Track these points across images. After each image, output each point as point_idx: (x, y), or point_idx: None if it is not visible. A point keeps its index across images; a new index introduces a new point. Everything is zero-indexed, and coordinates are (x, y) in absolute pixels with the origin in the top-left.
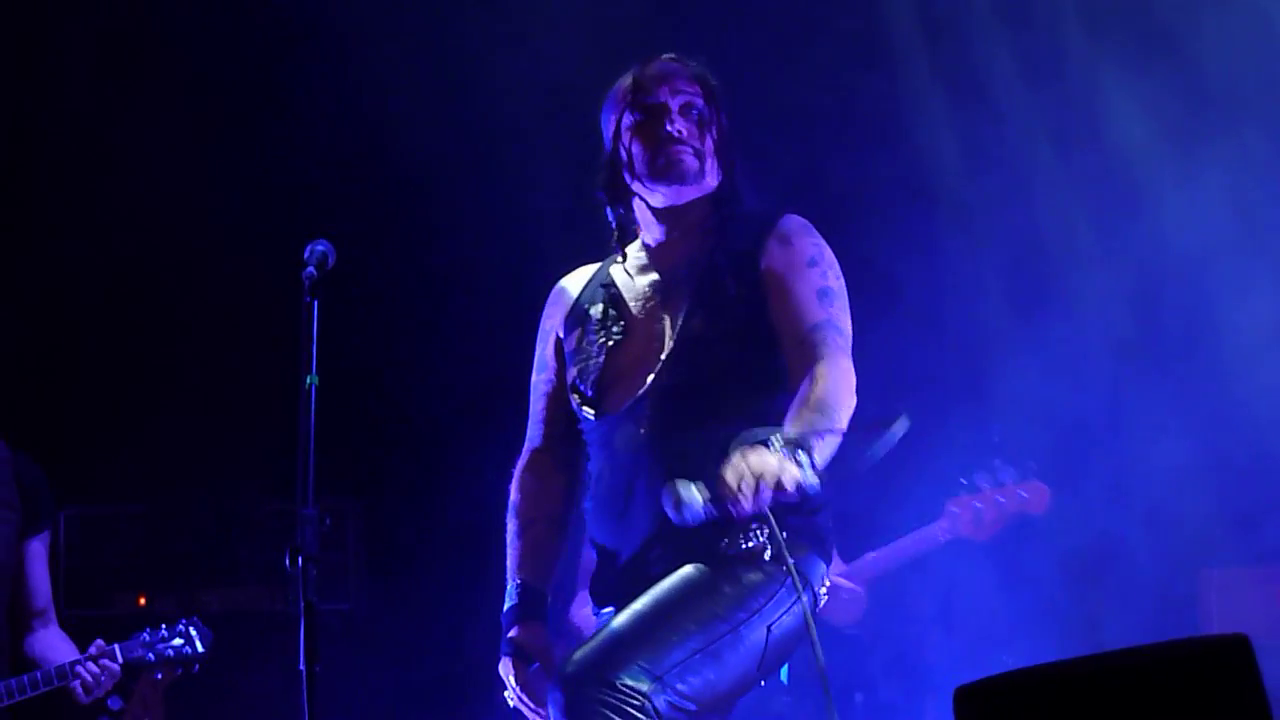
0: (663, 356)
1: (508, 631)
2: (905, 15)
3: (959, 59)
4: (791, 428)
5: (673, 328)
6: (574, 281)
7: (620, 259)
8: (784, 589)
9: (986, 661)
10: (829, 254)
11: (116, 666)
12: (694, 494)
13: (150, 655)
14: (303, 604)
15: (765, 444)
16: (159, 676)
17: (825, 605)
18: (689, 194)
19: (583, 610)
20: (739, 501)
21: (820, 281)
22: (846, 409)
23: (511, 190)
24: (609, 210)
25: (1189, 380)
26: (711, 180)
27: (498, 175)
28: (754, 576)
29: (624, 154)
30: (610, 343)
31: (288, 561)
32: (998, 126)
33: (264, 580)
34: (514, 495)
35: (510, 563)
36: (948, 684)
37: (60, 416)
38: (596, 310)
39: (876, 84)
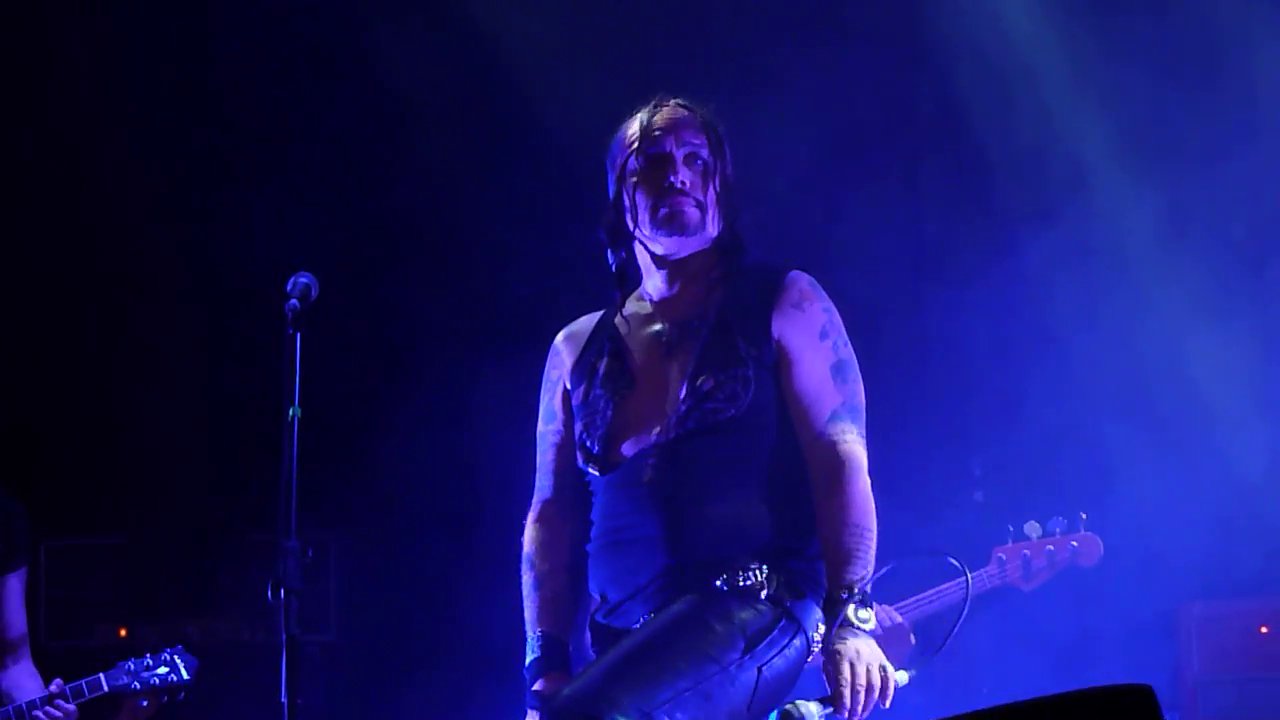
0: (670, 412)
1: (533, 684)
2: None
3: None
4: (843, 567)
5: (680, 381)
6: (578, 331)
7: (620, 307)
8: (778, 630)
9: (963, 690)
10: (837, 318)
11: (71, 707)
12: (812, 710)
13: (135, 684)
14: (284, 636)
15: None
16: (144, 704)
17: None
18: (691, 245)
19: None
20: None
21: (833, 355)
22: (872, 512)
23: (497, 227)
24: (610, 254)
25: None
26: (713, 230)
27: (483, 210)
28: (747, 615)
29: (626, 200)
30: (617, 397)
31: (270, 593)
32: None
33: (245, 612)
34: (528, 547)
35: (530, 614)
36: (920, 713)
37: (42, 448)
38: (602, 364)
39: (857, 122)
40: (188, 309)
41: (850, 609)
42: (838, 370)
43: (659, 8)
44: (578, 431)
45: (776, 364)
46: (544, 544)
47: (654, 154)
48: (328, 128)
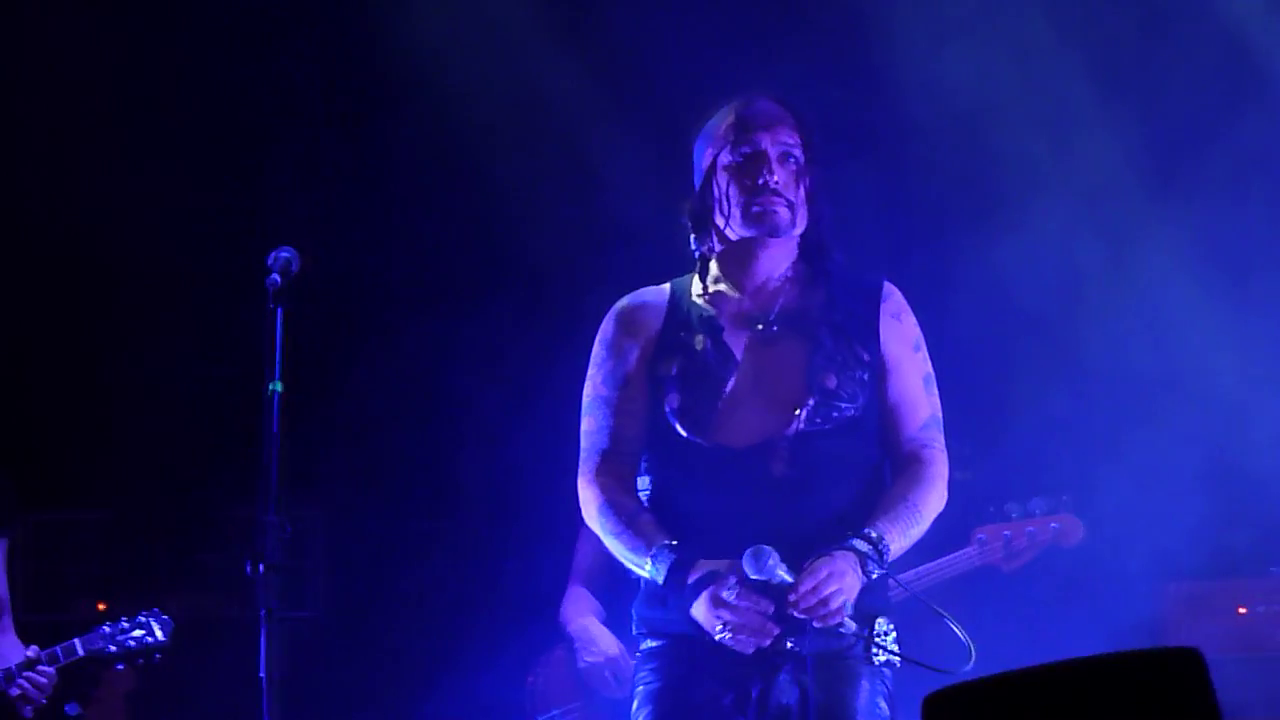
0: (796, 405)
1: (691, 577)
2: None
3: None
4: (884, 520)
5: (800, 376)
6: (652, 303)
7: (704, 289)
8: None
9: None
10: (920, 330)
11: (50, 670)
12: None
13: (112, 647)
14: (264, 611)
15: (850, 548)
16: (120, 668)
17: None
18: (777, 242)
19: (582, 619)
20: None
21: (925, 367)
22: (935, 512)
23: (480, 198)
24: (694, 240)
25: (1157, 400)
26: (800, 227)
27: (466, 183)
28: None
29: (716, 191)
30: (728, 378)
31: (249, 568)
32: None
33: (226, 587)
34: (601, 495)
35: (637, 539)
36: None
37: (23, 422)
38: (699, 341)
39: (855, 111)
40: (172, 284)
41: (866, 547)
42: (928, 382)
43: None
44: (674, 403)
45: (880, 370)
46: (623, 489)
47: (749, 151)
48: (312, 106)
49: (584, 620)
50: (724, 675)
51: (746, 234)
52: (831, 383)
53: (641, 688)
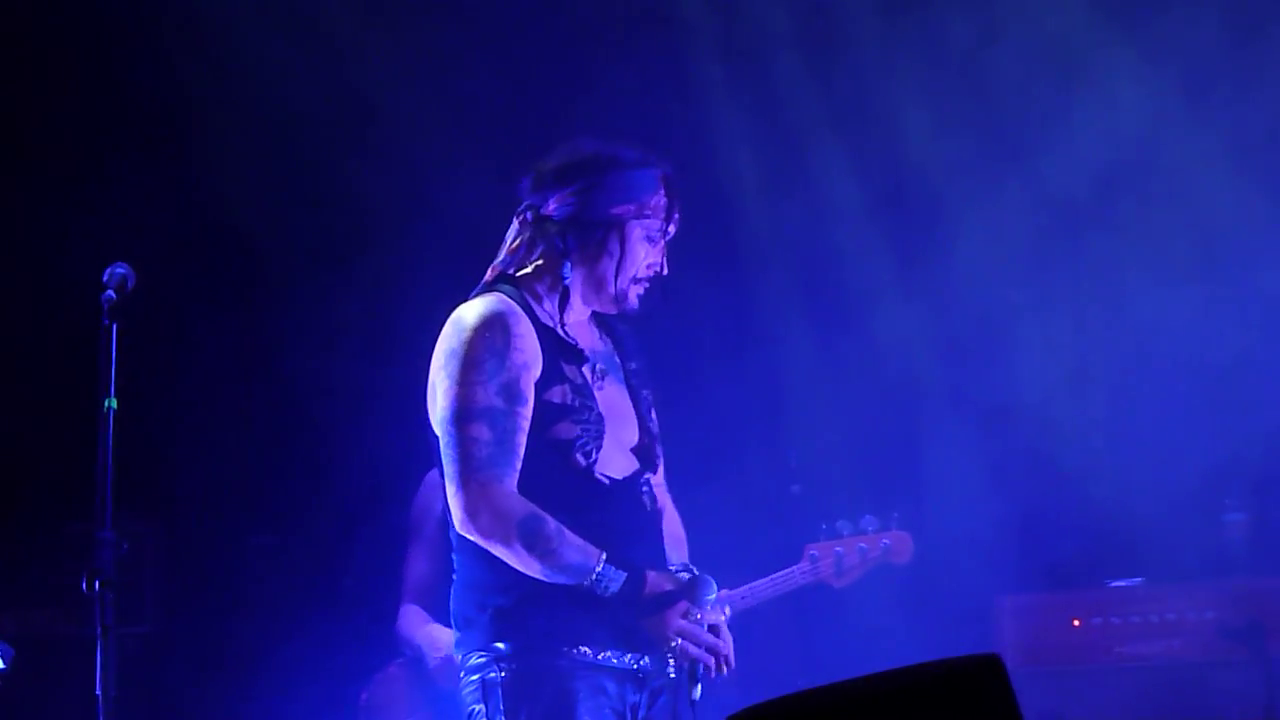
0: (646, 444)
1: (644, 589)
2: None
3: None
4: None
5: (644, 417)
6: (524, 321)
7: (560, 319)
8: None
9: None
10: None
11: None
12: None
13: None
14: (100, 628)
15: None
16: None
17: None
18: None
19: (424, 627)
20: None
21: None
22: None
23: (320, 207)
24: (567, 266)
25: (988, 415)
26: None
27: (305, 192)
28: None
29: (627, 257)
30: (605, 414)
31: (85, 585)
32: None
33: (60, 603)
34: (523, 509)
35: (577, 552)
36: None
37: None
38: (574, 373)
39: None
40: (2, 298)
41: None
42: None
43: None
44: (571, 433)
45: None
46: (532, 504)
47: (663, 239)
48: (146, 119)
49: (426, 627)
50: (613, 694)
51: (611, 302)
52: (656, 427)
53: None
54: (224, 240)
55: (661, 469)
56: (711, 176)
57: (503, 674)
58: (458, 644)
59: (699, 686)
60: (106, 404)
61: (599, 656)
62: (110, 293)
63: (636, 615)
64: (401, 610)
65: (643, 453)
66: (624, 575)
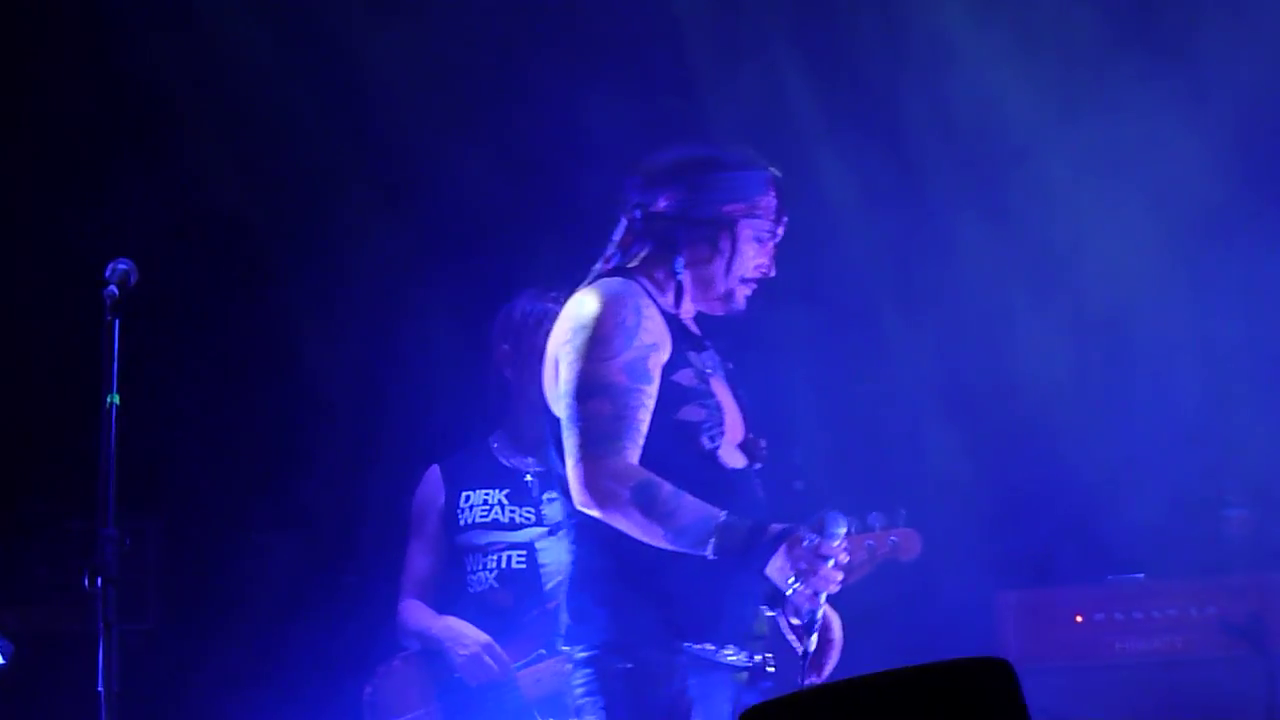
0: (749, 438)
1: (763, 536)
2: None
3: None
4: None
5: (742, 412)
6: (650, 303)
7: (676, 311)
8: None
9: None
10: None
11: None
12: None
13: None
14: (102, 624)
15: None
16: None
17: None
18: None
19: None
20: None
21: None
22: None
23: (319, 206)
24: (679, 261)
25: (984, 411)
26: None
27: (307, 183)
28: None
29: (737, 256)
30: (720, 399)
31: (87, 582)
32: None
33: (63, 600)
34: (640, 473)
35: (697, 511)
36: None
37: None
38: (695, 358)
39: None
40: (3, 292)
41: None
42: None
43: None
44: (698, 416)
45: None
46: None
47: (772, 240)
48: (148, 114)
49: (445, 620)
50: (731, 693)
51: (719, 303)
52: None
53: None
54: (227, 235)
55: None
56: None
57: (626, 666)
58: (568, 637)
59: (814, 636)
60: (109, 400)
61: (719, 653)
62: (113, 288)
63: (763, 563)
64: (403, 604)
65: (749, 448)
66: (748, 523)
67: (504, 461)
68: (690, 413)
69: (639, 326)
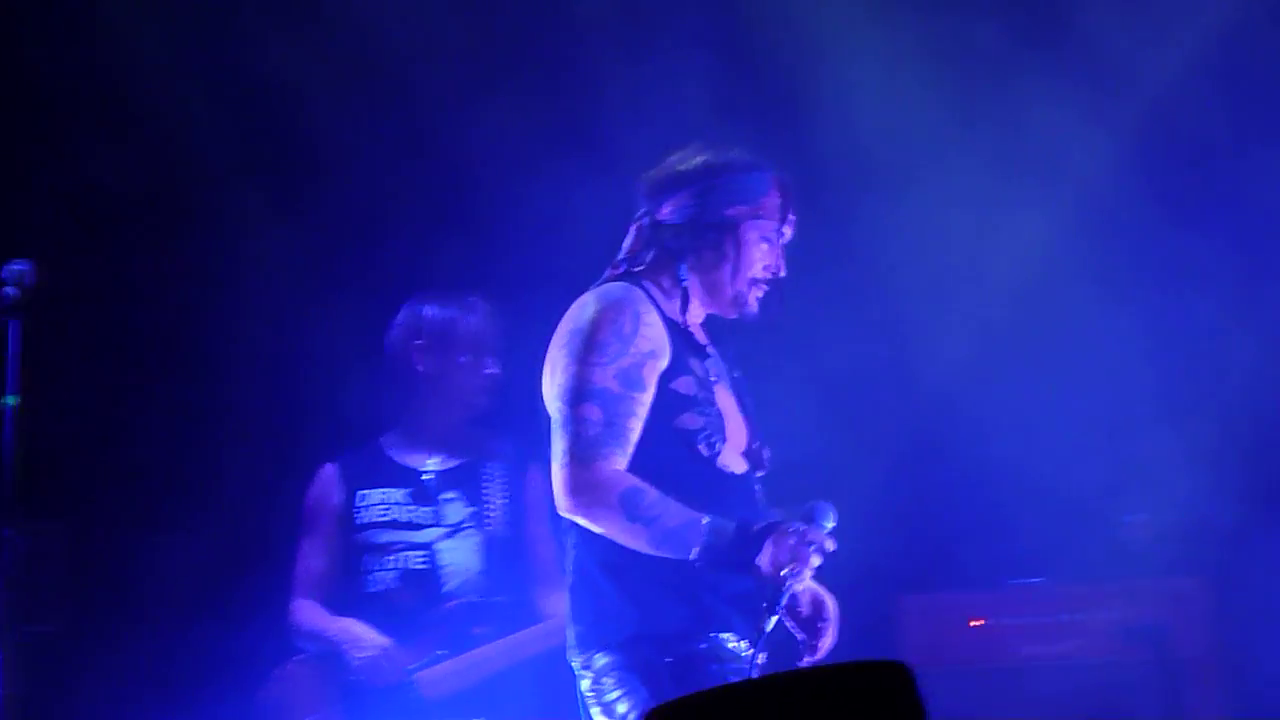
0: (753, 445)
1: (748, 534)
2: None
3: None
4: None
5: (748, 419)
6: (652, 310)
7: (682, 314)
8: None
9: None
10: None
11: None
12: None
13: None
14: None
15: None
16: None
17: None
18: None
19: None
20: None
21: None
22: None
23: (220, 203)
24: (683, 269)
25: (885, 415)
26: None
27: (206, 188)
28: None
29: (745, 258)
30: (719, 405)
31: None
32: None
33: None
34: (625, 479)
35: (681, 515)
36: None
37: None
38: (699, 367)
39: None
40: None
41: None
42: None
43: None
44: (696, 424)
45: None
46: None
47: (781, 240)
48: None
49: (341, 622)
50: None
51: (728, 306)
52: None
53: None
54: (126, 232)
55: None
56: None
57: (665, 660)
58: (583, 643)
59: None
60: (7, 401)
61: (738, 645)
62: (10, 289)
63: (753, 558)
64: (295, 605)
65: (752, 455)
66: (733, 523)
67: (398, 460)
68: (688, 420)
69: (636, 333)
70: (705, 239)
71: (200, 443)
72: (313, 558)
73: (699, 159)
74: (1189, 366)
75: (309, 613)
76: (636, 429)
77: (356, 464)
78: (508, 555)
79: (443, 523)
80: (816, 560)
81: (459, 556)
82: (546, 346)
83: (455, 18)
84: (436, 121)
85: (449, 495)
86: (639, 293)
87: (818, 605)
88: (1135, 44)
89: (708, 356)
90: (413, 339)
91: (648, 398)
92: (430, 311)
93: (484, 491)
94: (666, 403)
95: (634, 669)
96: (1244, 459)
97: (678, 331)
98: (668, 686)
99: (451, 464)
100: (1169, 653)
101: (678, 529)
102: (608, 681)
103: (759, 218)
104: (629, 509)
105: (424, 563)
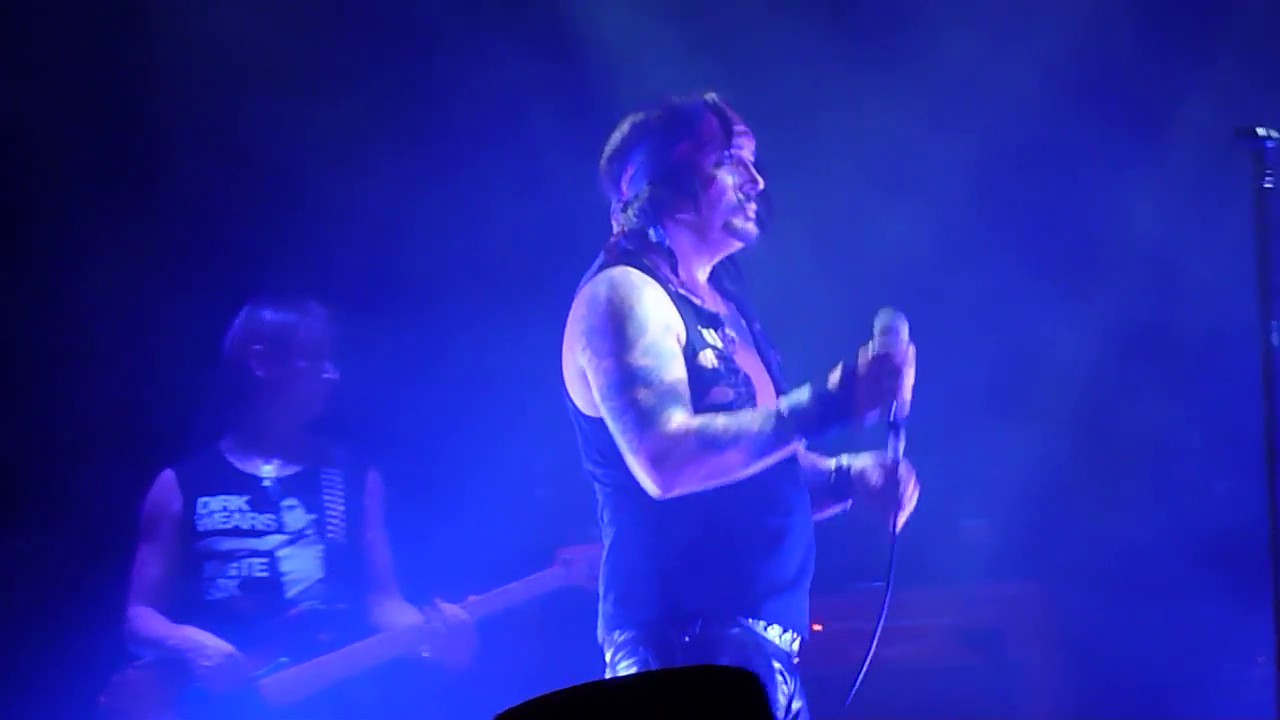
0: (783, 391)
1: (827, 386)
2: None
3: None
4: None
5: (771, 374)
6: (654, 285)
7: (678, 281)
8: None
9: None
10: None
11: None
12: None
13: None
14: None
15: None
16: None
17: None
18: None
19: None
20: None
21: None
22: None
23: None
24: (656, 230)
25: None
26: None
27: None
28: None
29: (695, 185)
30: (747, 370)
31: None
32: None
33: None
34: (694, 423)
35: (760, 414)
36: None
37: None
38: (714, 337)
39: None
40: None
41: None
42: None
43: None
44: (728, 397)
45: None
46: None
47: (742, 154)
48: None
49: (184, 630)
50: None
51: (729, 236)
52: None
53: None
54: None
55: None
56: None
57: (684, 640)
58: (610, 623)
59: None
60: None
61: (767, 630)
62: None
63: (851, 402)
64: (133, 612)
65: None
66: (805, 389)
67: (237, 465)
68: (718, 395)
69: (647, 311)
70: (665, 193)
71: (37, 446)
72: (151, 564)
73: (625, 125)
74: (1027, 370)
75: (148, 620)
76: (684, 381)
77: (195, 470)
78: (349, 562)
79: (284, 530)
80: (911, 360)
81: (301, 564)
82: (391, 351)
83: (298, 15)
84: (278, 123)
85: (290, 502)
86: (635, 272)
87: (887, 470)
88: (978, 52)
89: (720, 323)
90: (251, 343)
91: (681, 359)
92: (268, 316)
93: (324, 498)
94: (696, 381)
95: (650, 644)
96: (1080, 463)
97: (685, 304)
98: (682, 665)
99: (290, 470)
100: (1005, 657)
101: (763, 431)
102: (623, 656)
103: (705, 145)
104: (710, 446)
105: (266, 570)
